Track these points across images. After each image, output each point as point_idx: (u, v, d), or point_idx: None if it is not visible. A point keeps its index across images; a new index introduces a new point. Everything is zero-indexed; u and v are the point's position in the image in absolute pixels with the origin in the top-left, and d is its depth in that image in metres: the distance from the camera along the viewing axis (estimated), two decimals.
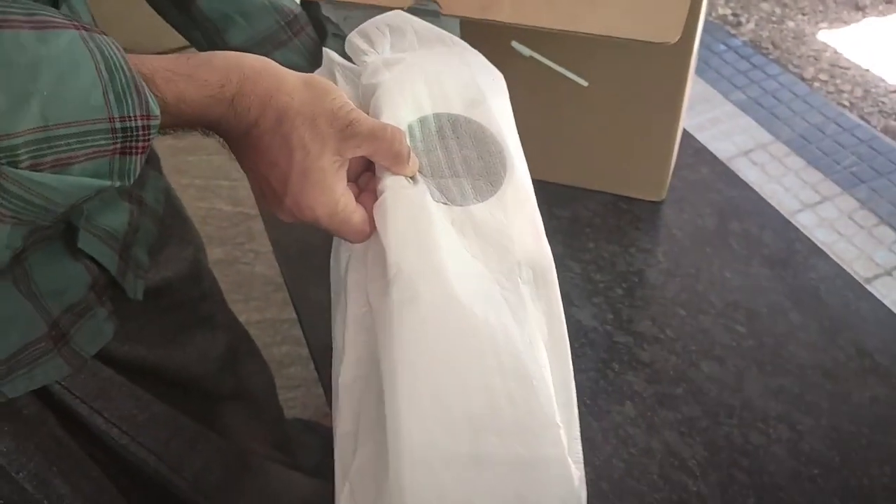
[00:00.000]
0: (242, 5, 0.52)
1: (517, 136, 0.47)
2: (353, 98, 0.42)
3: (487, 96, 0.46)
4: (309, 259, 0.72)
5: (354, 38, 0.48)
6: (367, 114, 0.42)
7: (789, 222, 0.70)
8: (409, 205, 0.40)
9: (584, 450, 0.54)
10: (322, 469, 0.69)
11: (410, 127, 0.43)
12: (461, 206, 0.41)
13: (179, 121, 0.34)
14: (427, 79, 0.46)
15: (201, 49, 0.54)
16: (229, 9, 0.53)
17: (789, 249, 0.68)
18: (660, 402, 0.58)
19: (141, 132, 0.30)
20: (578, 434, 0.37)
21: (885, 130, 1.94)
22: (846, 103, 2.01)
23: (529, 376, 0.35)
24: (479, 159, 0.43)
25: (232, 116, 0.35)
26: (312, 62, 0.51)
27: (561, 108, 0.71)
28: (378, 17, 0.49)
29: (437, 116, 0.44)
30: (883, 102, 2.01)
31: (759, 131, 1.89)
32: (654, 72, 0.65)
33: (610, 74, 0.66)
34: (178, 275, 0.58)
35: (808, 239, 0.69)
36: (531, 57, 0.67)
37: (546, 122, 0.72)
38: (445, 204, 0.41)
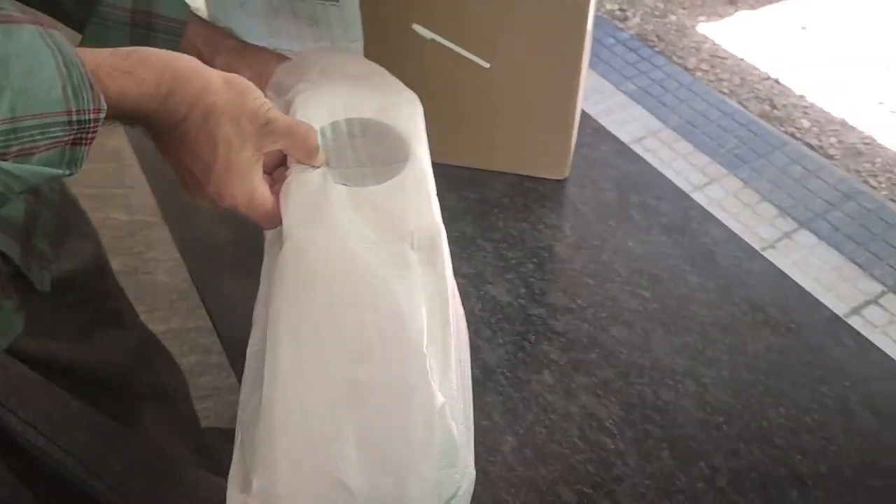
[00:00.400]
0: None
1: (426, 138, 0.50)
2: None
3: (397, 104, 0.51)
4: (217, 255, 0.70)
5: (282, 78, 0.53)
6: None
7: (683, 192, 0.75)
8: (308, 183, 0.44)
9: (506, 420, 0.55)
10: None
11: (323, 129, 0.47)
12: (360, 187, 0.45)
13: (118, 114, 0.36)
14: (343, 91, 0.51)
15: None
16: None
17: (685, 217, 0.72)
18: (575, 368, 0.60)
19: (92, 125, 0.33)
20: (453, 366, 0.39)
21: (762, 115, 2.08)
22: (726, 91, 2.15)
23: (402, 314, 0.38)
24: (383, 152, 0.47)
25: (164, 112, 0.38)
26: None
27: (464, 91, 0.72)
28: (307, 52, 0.57)
29: (349, 120, 0.49)
30: (758, 89, 2.16)
31: (649, 119, 1.99)
32: (551, 51, 0.67)
33: (510, 55, 0.68)
34: (82, 268, 0.57)
35: (701, 207, 0.73)
36: (433, 40, 0.68)
37: (450, 105, 0.73)
38: (346, 185, 0.45)
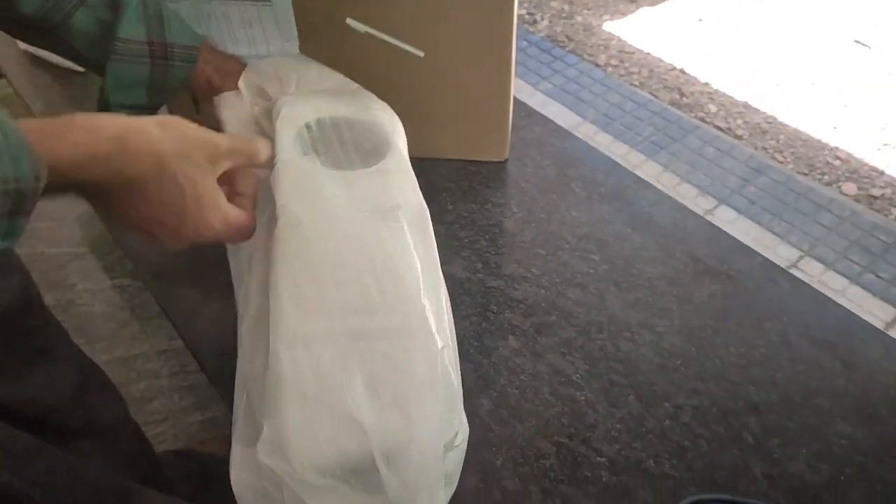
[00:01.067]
0: None
1: (404, 136, 0.56)
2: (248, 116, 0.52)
3: (374, 108, 0.55)
4: (171, 263, 0.70)
5: (255, 79, 0.55)
6: (270, 119, 0.50)
7: (616, 162, 0.79)
8: (298, 166, 0.47)
9: (479, 385, 0.57)
10: (200, 494, 0.67)
11: (308, 124, 0.50)
12: (348, 171, 0.48)
13: (56, 181, 0.34)
14: (324, 96, 0.54)
15: None
16: None
17: (621, 185, 0.76)
18: (538, 331, 0.63)
19: (30, 194, 0.31)
20: (446, 321, 0.42)
21: (672, 103, 2.19)
22: (636, 83, 2.25)
23: (398, 272, 0.41)
24: (366, 142, 0.51)
25: (113, 174, 0.37)
26: (113, 15, 0.49)
27: (401, 82, 0.74)
28: (282, 60, 0.60)
29: (333, 118, 0.52)
30: (666, 79, 2.27)
31: (568, 115, 2.06)
32: (482, 37, 0.70)
33: (443, 44, 0.71)
34: (10, 304, 0.54)
35: (635, 175, 0.77)
36: (367, 33, 0.70)
37: (389, 97, 0.74)
38: (334, 169, 0.47)
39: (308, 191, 0.44)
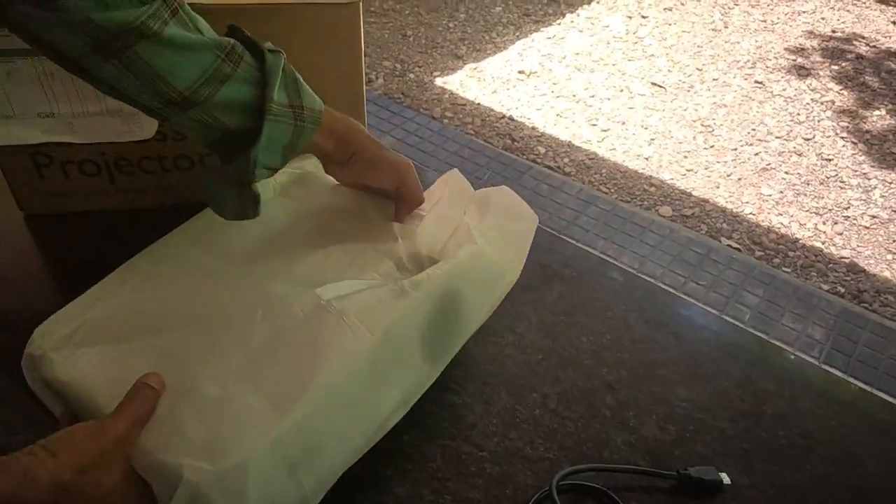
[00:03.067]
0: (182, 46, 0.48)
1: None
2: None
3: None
4: None
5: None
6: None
7: None
8: None
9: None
10: None
11: None
12: None
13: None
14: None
15: None
16: None
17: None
18: None
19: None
20: None
21: (505, 148, 2.36)
22: (471, 132, 2.40)
23: None
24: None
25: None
26: (258, 88, 0.51)
27: None
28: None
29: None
30: (497, 127, 2.45)
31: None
32: (335, 101, 0.73)
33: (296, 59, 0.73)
34: None
35: None
36: None
37: None
38: None
39: None
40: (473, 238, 0.58)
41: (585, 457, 0.58)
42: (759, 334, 0.72)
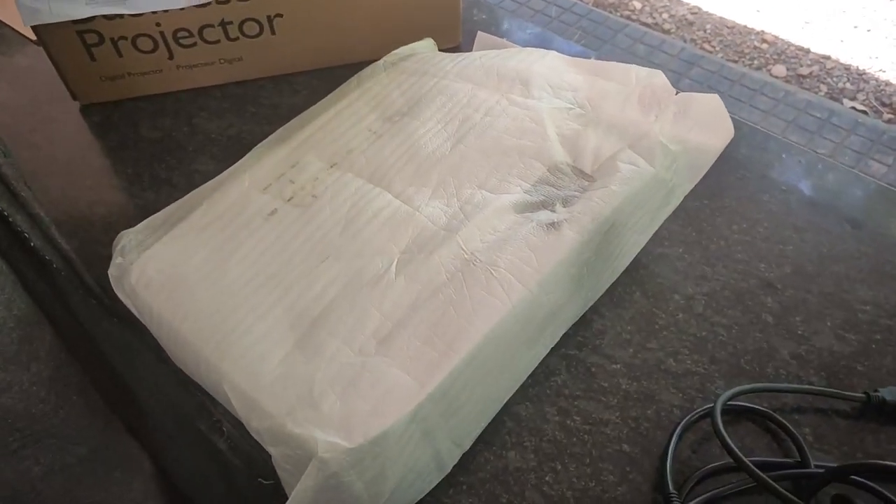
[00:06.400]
0: None
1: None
2: None
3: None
4: None
5: None
6: None
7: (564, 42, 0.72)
8: None
9: None
10: None
11: None
12: None
13: None
14: None
15: None
16: None
17: None
18: None
19: None
20: None
21: (597, 4, 2.12)
22: None
23: None
24: None
25: None
26: None
27: None
28: None
29: None
30: None
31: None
32: None
33: None
34: None
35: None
36: None
37: (340, 1, 0.65)
38: None
39: None
40: (655, 156, 0.46)
41: (743, 372, 0.48)
42: None
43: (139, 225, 0.48)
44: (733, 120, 0.51)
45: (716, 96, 0.51)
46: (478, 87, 0.54)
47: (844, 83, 1.90)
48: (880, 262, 0.53)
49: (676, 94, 0.51)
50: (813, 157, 0.61)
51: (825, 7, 2.10)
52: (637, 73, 0.53)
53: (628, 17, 2.06)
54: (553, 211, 0.45)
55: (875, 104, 1.85)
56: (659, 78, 0.52)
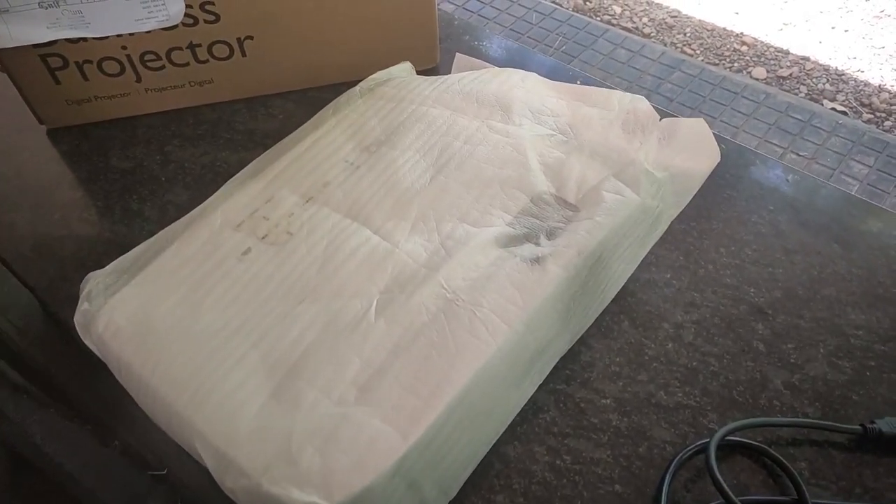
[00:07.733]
0: None
1: None
2: None
3: None
4: None
5: None
6: None
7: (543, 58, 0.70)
8: None
9: None
10: None
11: None
12: None
13: None
14: None
15: None
16: None
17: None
18: None
19: None
20: None
21: (576, 9, 2.11)
22: None
23: None
24: None
25: None
26: None
27: (322, 6, 0.62)
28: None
29: None
30: None
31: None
32: None
33: None
34: None
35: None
36: None
37: (312, 22, 0.63)
38: None
39: None
40: (640, 184, 0.45)
41: (736, 404, 0.46)
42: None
43: (107, 267, 0.46)
44: (718, 133, 0.50)
45: (701, 120, 0.50)
46: (457, 114, 0.52)
47: (824, 84, 1.91)
48: (872, 285, 0.52)
49: (661, 119, 0.50)
50: (801, 175, 0.60)
51: (803, 9, 2.10)
52: (620, 99, 0.51)
53: (608, 22, 2.05)
54: (537, 244, 0.43)
55: (855, 104, 1.85)
56: (642, 103, 0.51)
